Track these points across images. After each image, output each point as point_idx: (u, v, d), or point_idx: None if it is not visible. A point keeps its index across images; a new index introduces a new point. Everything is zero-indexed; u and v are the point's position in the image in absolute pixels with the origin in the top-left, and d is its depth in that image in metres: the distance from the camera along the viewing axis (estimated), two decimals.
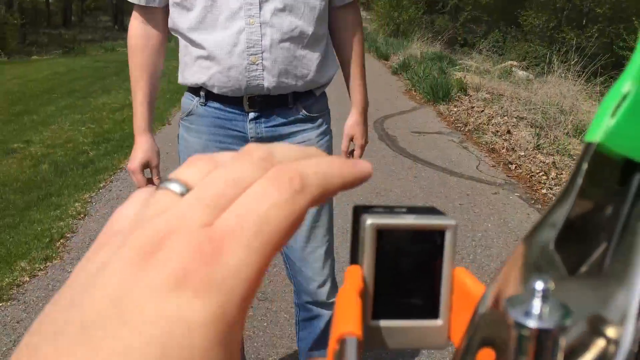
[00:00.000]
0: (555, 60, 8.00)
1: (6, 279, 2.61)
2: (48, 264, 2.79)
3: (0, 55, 13.58)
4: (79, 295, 0.17)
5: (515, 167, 4.58)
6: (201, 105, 1.40)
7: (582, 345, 0.17)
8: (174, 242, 0.17)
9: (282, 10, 1.31)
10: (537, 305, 0.17)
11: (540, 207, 3.74)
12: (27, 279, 2.65)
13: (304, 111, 1.40)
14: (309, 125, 1.42)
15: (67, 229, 3.18)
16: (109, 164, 4.41)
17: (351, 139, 1.56)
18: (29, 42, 16.74)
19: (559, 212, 0.20)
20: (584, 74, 7.50)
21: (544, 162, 4.59)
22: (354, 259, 0.25)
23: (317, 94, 1.44)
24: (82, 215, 3.36)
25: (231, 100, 1.35)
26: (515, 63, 10.24)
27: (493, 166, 4.62)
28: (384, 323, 0.24)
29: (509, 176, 4.37)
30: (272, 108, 1.36)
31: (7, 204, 3.54)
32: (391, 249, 0.24)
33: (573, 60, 7.76)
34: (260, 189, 0.19)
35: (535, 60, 10.67)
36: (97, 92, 7.79)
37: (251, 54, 1.29)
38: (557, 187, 4.08)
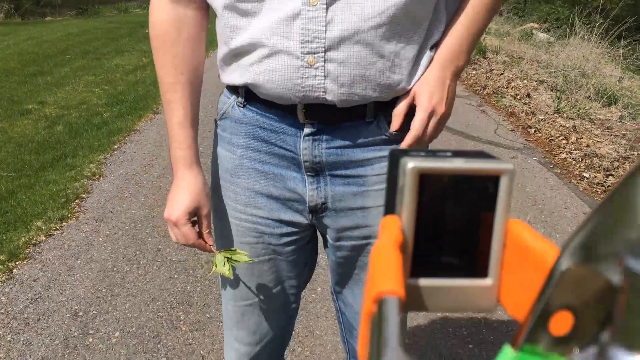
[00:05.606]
0: (578, 22, 7.78)
1: (23, 238, 2.64)
2: (64, 223, 2.82)
3: (14, 16, 13.51)
4: None
5: (535, 131, 4.49)
6: (239, 105, 0.93)
7: None
8: None
9: None
10: None
11: (559, 171, 3.68)
12: (44, 238, 2.67)
13: (389, 129, 0.89)
14: None
15: (82, 189, 3.19)
16: (123, 125, 4.40)
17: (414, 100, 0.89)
18: (43, 4, 16.62)
19: None
20: (607, 37, 7.29)
21: (564, 126, 4.50)
22: (391, 208, 0.21)
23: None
24: (97, 176, 3.37)
25: (281, 105, 0.89)
26: (536, 25, 9.98)
27: (512, 130, 4.54)
28: (424, 282, 0.20)
29: (527, 140, 4.29)
30: (340, 121, 0.87)
31: (22, 164, 3.55)
32: (435, 197, 0.20)
33: (596, 22, 7.53)
34: None
35: (556, 22, 10.37)
36: (111, 53, 7.74)
37: (308, 52, 0.80)
38: (577, 151, 4.00)
